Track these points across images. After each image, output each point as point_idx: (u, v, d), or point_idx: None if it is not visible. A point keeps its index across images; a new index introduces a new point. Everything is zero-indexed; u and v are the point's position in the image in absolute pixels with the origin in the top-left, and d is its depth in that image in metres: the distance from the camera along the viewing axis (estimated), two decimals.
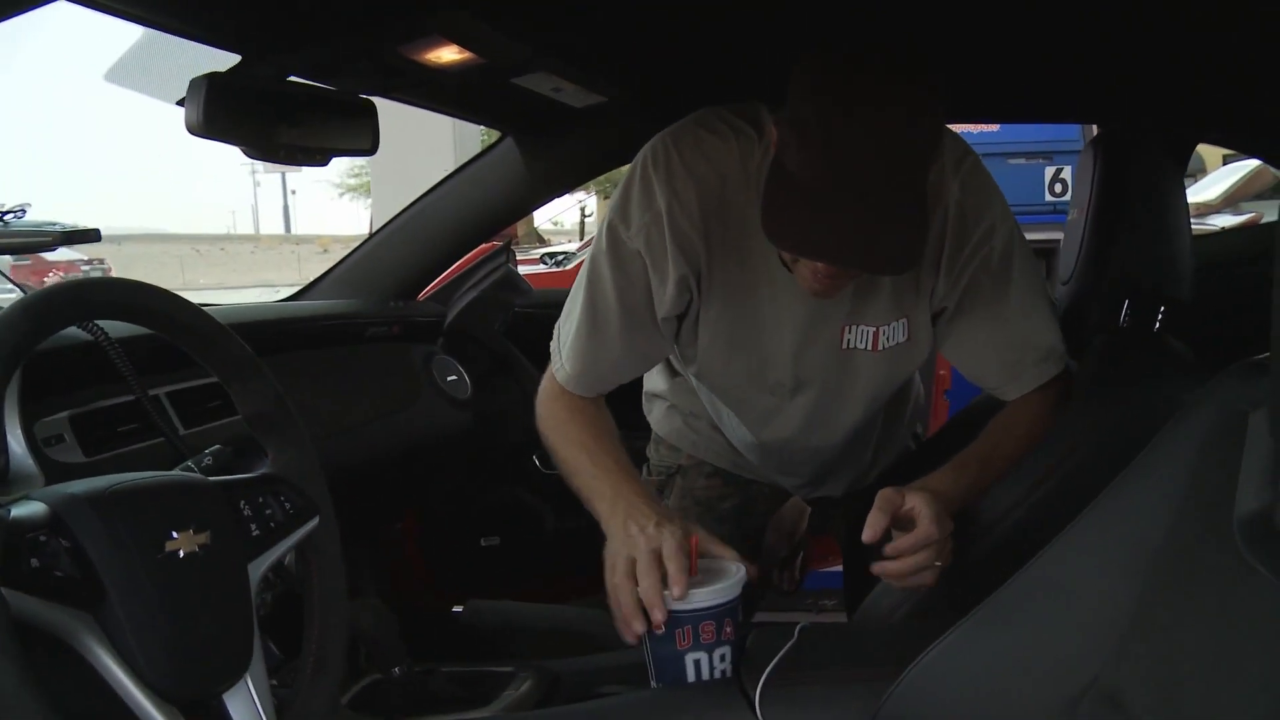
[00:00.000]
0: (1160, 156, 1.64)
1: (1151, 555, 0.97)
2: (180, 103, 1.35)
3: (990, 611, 1.10)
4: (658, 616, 1.25)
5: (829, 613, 3.25)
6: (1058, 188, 3.27)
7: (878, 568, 1.37)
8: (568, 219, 14.55)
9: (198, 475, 1.01)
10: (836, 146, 1.19)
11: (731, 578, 1.28)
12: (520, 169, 2.12)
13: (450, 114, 1.95)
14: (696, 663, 1.26)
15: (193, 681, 0.90)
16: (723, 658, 1.27)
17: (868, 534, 1.34)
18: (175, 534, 0.91)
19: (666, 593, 1.24)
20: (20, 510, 0.83)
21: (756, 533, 1.97)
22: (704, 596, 1.25)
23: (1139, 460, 1.03)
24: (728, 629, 1.27)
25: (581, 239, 10.29)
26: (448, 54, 1.34)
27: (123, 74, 1.33)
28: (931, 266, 1.45)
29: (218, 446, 1.17)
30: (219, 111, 1.25)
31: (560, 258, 7.60)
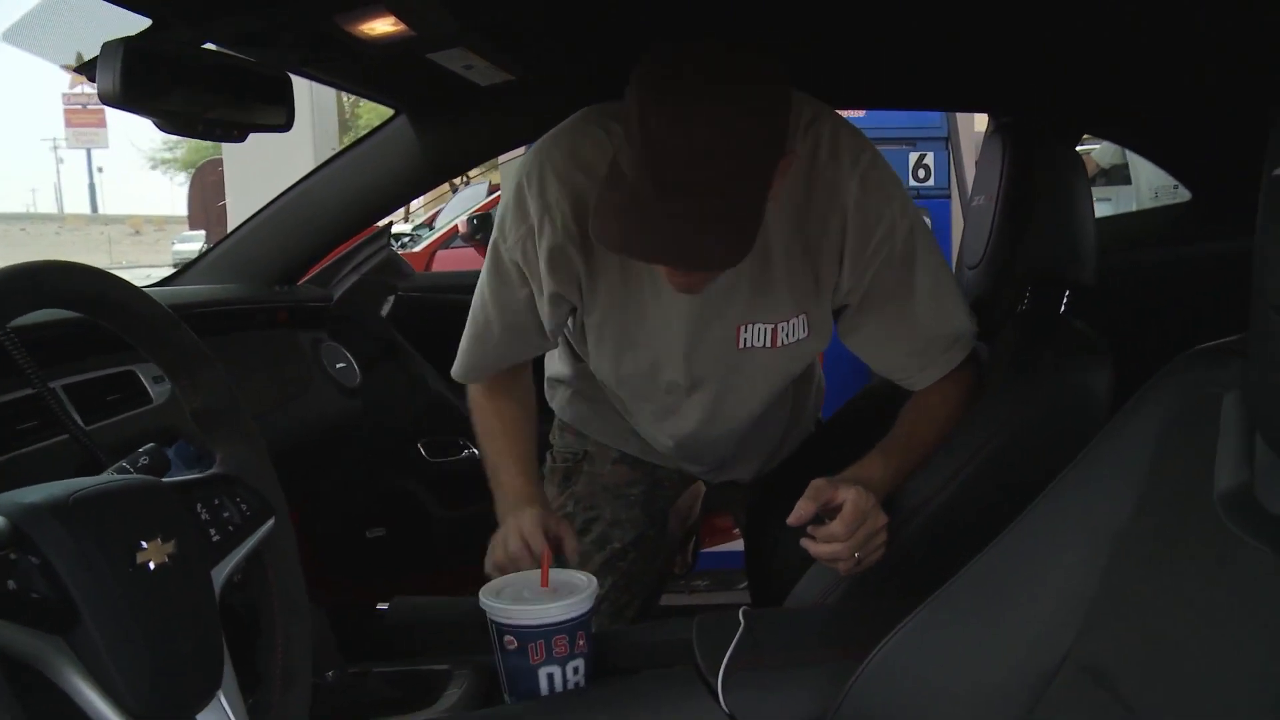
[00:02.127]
0: (1064, 143, 1.71)
1: (1116, 533, 1.00)
2: (80, 69, 1.24)
3: (952, 596, 1.11)
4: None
5: (702, 593, 3.29)
6: (920, 173, 3.36)
7: (808, 544, 1.38)
8: None
9: (154, 478, 0.93)
10: (652, 144, 1.17)
11: (583, 591, 1.29)
12: (413, 149, 2.04)
13: (350, 90, 1.87)
14: (550, 676, 1.27)
15: (171, 703, 0.83)
16: (576, 670, 1.28)
17: (793, 518, 1.36)
18: (144, 544, 0.83)
19: (526, 606, 1.27)
20: None
21: (663, 516, 1.96)
22: (556, 611, 1.26)
23: (1097, 442, 1.06)
24: (580, 642, 1.28)
25: (406, 220, 10.08)
26: (382, 25, 1.27)
27: (21, 35, 1.21)
28: (833, 263, 1.46)
29: (152, 445, 1.08)
30: (136, 80, 1.15)
31: (405, 239, 7.46)
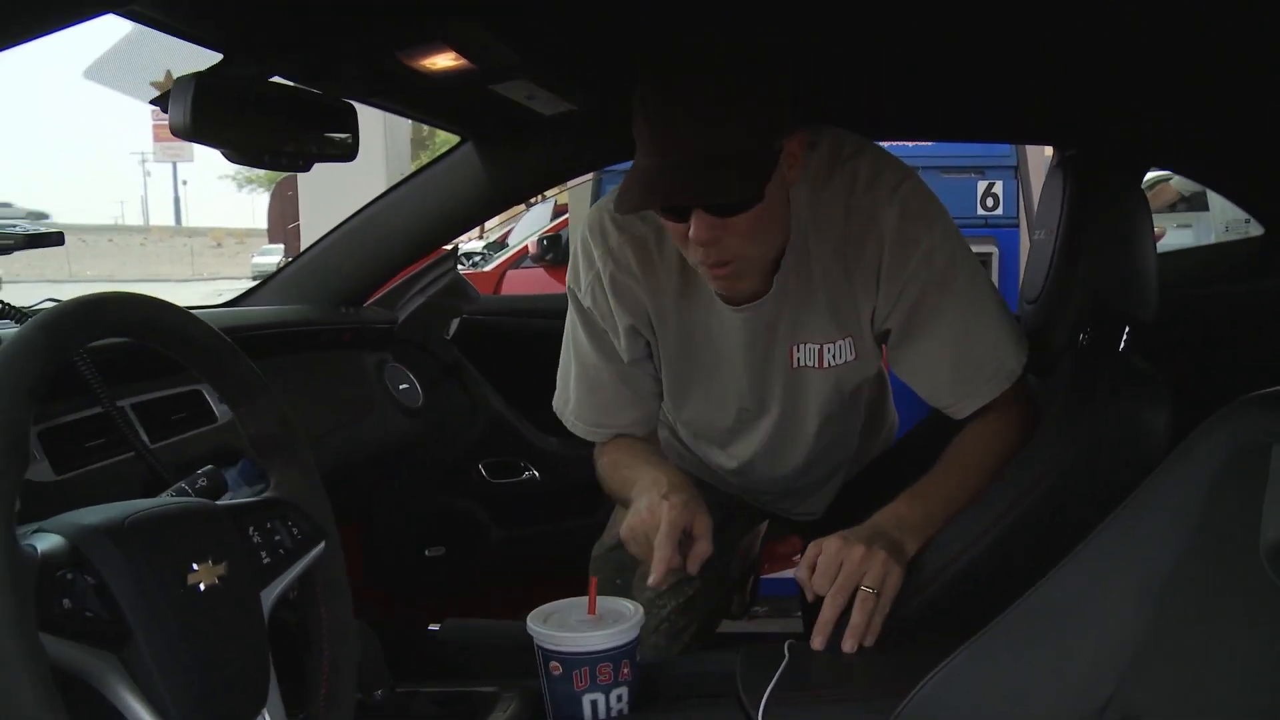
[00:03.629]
0: (1129, 176, 1.68)
1: (1163, 581, 0.98)
2: (154, 102, 1.29)
3: (996, 635, 1.10)
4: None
5: (759, 619, 3.28)
6: (989, 202, 3.33)
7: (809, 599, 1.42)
8: None
9: (208, 501, 0.96)
10: (655, 118, 1.28)
11: (629, 620, 1.30)
12: (479, 175, 2.07)
13: (417, 118, 1.91)
14: (594, 703, 1.28)
15: None
16: (619, 698, 1.29)
17: (810, 596, 1.40)
18: (196, 566, 0.86)
19: (573, 634, 1.27)
20: (44, 545, 0.78)
21: (730, 549, 1.97)
22: (601, 639, 1.27)
23: (1145, 487, 1.04)
24: (625, 670, 1.29)
25: (481, 236, 10.14)
26: (443, 60, 1.30)
27: (103, 72, 1.26)
28: (871, 286, 1.50)
29: (210, 467, 1.11)
30: (206, 113, 1.20)
31: (476, 258, 7.53)
